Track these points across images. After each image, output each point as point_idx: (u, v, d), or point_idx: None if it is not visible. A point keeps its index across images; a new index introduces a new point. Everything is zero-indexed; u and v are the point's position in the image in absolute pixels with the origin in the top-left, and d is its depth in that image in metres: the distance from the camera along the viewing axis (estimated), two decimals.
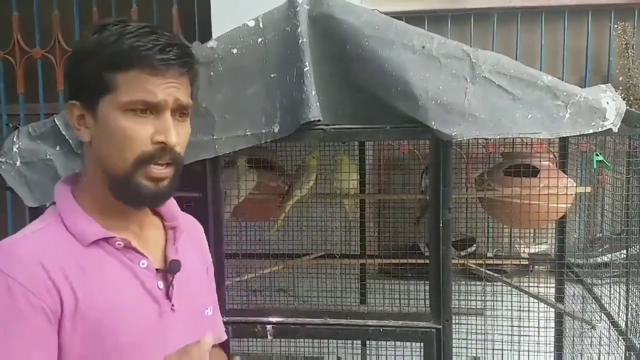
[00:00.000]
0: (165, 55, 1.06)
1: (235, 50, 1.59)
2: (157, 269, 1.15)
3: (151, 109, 1.07)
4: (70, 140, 1.63)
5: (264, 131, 1.58)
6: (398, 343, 2.39)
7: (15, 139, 1.65)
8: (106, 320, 1.06)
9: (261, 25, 1.59)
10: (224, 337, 1.42)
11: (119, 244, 1.10)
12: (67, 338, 1.03)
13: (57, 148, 1.64)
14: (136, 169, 1.07)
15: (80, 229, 1.09)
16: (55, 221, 1.10)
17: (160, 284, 1.15)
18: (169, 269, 1.16)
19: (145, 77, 1.05)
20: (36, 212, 1.69)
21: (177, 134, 1.09)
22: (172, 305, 1.15)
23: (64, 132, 1.63)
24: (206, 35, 2.84)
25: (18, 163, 1.65)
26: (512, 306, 2.28)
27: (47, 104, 3.18)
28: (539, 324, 2.26)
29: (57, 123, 1.63)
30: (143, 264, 1.13)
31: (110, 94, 1.06)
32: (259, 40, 1.58)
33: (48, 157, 1.64)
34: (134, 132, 1.06)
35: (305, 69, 1.53)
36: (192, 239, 1.30)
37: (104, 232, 1.10)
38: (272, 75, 1.58)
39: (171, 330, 1.15)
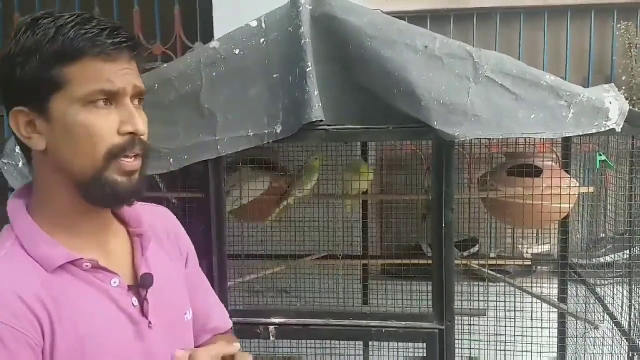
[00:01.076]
0: (114, 39, 0.98)
1: (237, 51, 1.58)
2: (128, 286, 1.06)
3: (111, 98, 0.99)
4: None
5: (266, 131, 1.58)
6: (400, 344, 2.39)
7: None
8: (87, 347, 0.99)
9: (263, 25, 1.59)
10: (229, 323, 1.36)
11: (87, 265, 1.01)
12: None
13: None
14: (107, 164, 0.98)
15: (43, 254, 0.99)
16: (13, 245, 1.00)
17: (135, 301, 1.06)
18: (141, 284, 1.07)
19: (99, 65, 0.97)
20: None
21: (144, 122, 1.03)
22: (149, 322, 1.07)
23: None
24: (208, 35, 2.85)
25: (20, 164, 1.64)
26: (514, 306, 2.27)
27: None
28: (541, 324, 2.25)
29: None
30: (115, 282, 1.04)
31: (61, 90, 0.96)
32: (262, 40, 1.58)
33: None
34: (99, 125, 0.97)
35: (307, 69, 1.52)
36: (160, 237, 1.20)
37: (69, 254, 1.00)
38: (275, 76, 1.58)
39: (152, 348, 1.08)
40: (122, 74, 0.99)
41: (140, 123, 1.01)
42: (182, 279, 1.22)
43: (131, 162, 1.01)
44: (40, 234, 1.00)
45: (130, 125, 0.99)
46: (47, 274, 0.98)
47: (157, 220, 1.21)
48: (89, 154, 0.97)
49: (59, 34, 0.95)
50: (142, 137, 1.02)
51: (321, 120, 1.53)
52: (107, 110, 0.98)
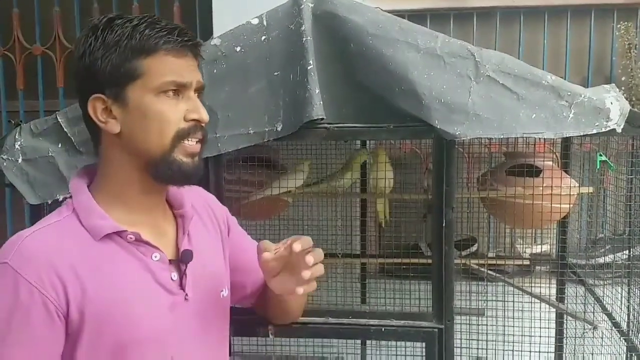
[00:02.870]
0: (182, 37, 1.14)
1: (238, 48, 1.58)
2: (170, 260, 1.18)
3: (180, 90, 1.14)
4: (72, 138, 1.63)
5: (267, 129, 1.57)
6: (398, 343, 2.39)
7: (17, 136, 1.65)
8: (117, 312, 1.09)
9: (265, 23, 1.58)
10: None
11: (131, 238, 1.13)
12: (76, 330, 1.07)
13: (59, 145, 1.64)
14: (174, 146, 1.13)
15: (93, 224, 1.12)
16: (70, 215, 1.14)
17: (174, 275, 1.18)
18: (181, 260, 1.20)
19: (171, 60, 1.12)
20: (37, 210, 1.68)
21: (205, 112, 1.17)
22: (186, 295, 1.18)
23: (66, 130, 1.62)
24: (207, 32, 2.84)
25: (20, 160, 1.64)
26: (513, 306, 2.27)
27: (46, 101, 3.17)
28: (540, 324, 2.26)
29: (59, 120, 1.63)
30: (155, 256, 1.16)
31: (137, 80, 1.11)
32: (263, 38, 1.58)
33: (50, 154, 1.64)
34: (170, 112, 1.12)
35: (309, 67, 1.52)
36: (201, 214, 1.33)
37: (116, 226, 1.12)
38: (276, 74, 1.57)
39: (184, 319, 1.18)
40: (190, 69, 1.16)
41: (205, 112, 1.16)
42: (221, 256, 1.35)
43: (194, 146, 1.16)
44: (95, 208, 1.14)
45: (196, 113, 1.15)
46: (94, 242, 1.11)
47: (197, 199, 1.35)
48: (159, 137, 1.12)
49: (136, 32, 1.11)
50: (203, 124, 1.17)
51: (322, 119, 1.52)
52: (175, 100, 1.14)
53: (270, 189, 2.11)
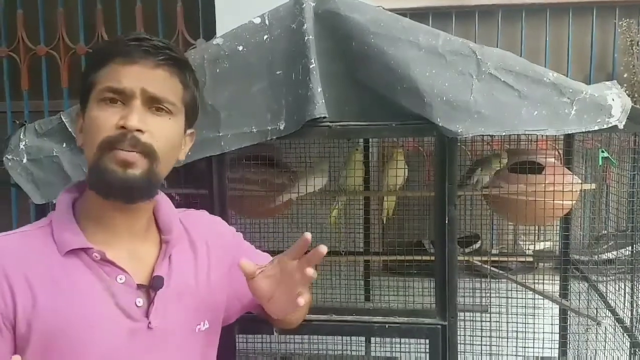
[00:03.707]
0: (137, 42, 1.09)
1: (241, 48, 1.59)
2: (139, 285, 1.12)
3: (119, 97, 1.08)
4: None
5: (269, 128, 1.58)
6: (402, 340, 2.39)
7: (21, 136, 1.66)
8: (67, 330, 1.05)
9: (267, 22, 1.59)
10: None
11: (96, 256, 1.09)
12: (22, 344, 1.04)
13: (64, 145, 1.64)
14: (102, 154, 1.07)
15: (62, 238, 1.09)
16: (45, 227, 1.12)
17: (140, 301, 1.12)
18: (151, 286, 1.13)
19: (118, 67, 1.09)
20: (42, 209, 1.70)
21: (142, 121, 1.08)
22: (149, 323, 1.11)
23: (70, 129, 1.63)
24: (210, 32, 2.85)
25: (24, 160, 1.65)
26: (516, 303, 2.28)
27: (51, 101, 3.19)
28: (543, 320, 2.26)
29: (64, 120, 1.64)
30: (120, 279, 1.10)
31: (92, 91, 1.10)
32: (265, 37, 1.58)
33: (54, 154, 1.64)
34: (101, 119, 1.08)
35: (311, 66, 1.53)
36: (195, 242, 1.26)
37: (83, 242, 1.09)
38: (278, 72, 1.58)
39: (144, 349, 1.11)
40: (135, 77, 1.08)
41: (133, 119, 1.06)
42: (210, 288, 1.25)
43: (126, 153, 1.07)
44: (69, 222, 1.11)
45: (123, 119, 1.06)
46: (59, 257, 1.08)
47: (197, 225, 1.29)
48: (92, 144, 1.08)
49: (100, 46, 1.15)
50: (137, 135, 1.07)
51: (324, 117, 1.53)
52: (114, 108, 1.08)
53: (298, 188, 2.13)
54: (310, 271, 1.04)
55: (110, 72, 1.09)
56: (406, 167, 2.26)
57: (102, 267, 1.10)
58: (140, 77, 1.09)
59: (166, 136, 1.13)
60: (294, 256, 1.08)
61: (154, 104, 1.11)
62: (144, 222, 1.18)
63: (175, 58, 1.14)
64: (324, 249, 1.03)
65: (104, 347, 1.07)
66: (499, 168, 2.11)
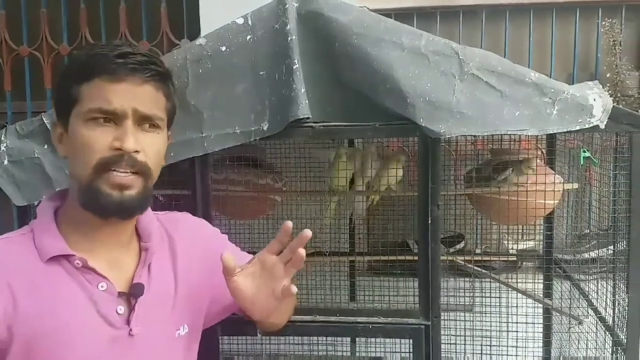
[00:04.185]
0: (123, 60, 1.07)
1: (224, 48, 1.58)
2: (120, 293, 1.13)
3: (111, 117, 1.08)
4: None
5: (253, 129, 1.57)
6: (387, 340, 2.40)
7: (2, 138, 1.64)
8: (48, 337, 1.05)
9: (250, 22, 1.59)
10: None
11: (78, 263, 1.09)
12: (2, 349, 1.04)
13: (45, 147, 1.63)
14: (97, 175, 1.07)
15: (44, 244, 1.09)
16: (27, 234, 1.12)
17: (121, 309, 1.12)
18: (131, 293, 1.14)
19: (104, 85, 1.07)
20: (24, 211, 1.68)
21: (137, 141, 1.09)
22: (130, 330, 1.12)
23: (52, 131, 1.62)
24: (194, 33, 2.84)
25: (6, 162, 1.64)
26: (500, 302, 2.29)
27: (34, 102, 3.16)
28: (527, 319, 2.27)
29: (45, 121, 1.63)
30: (102, 286, 1.11)
31: (76, 106, 1.09)
32: (248, 37, 1.58)
33: (36, 155, 1.63)
34: (93, 139, 1.07)
35: (294, 67, 1.53)
36: (176, 247, 1.26)
37: (65, 249, 1.09)
38: (261, 73, 1.58)
39: (126, 356, 1.12)
40: (124, 96, 1.08)
41: (130, 141, 1.07)
42: (190, 292, 1.25)
43: (122, 177, 1.08)
44: (51, 229, 1.11)
45: (119, 141, 1.07)
46: (41, 264, 1.08)
47: (179, 229, 1.29)
48: (84, 164, 1.07)
49: (82, 56, 1.10)
50: (134, 155, 1.08)
51: (308, 118, 1.53)
52: (105, 128, 1.08)
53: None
54: (302, 251, 1.06)
55: (97, 90, 1.07)
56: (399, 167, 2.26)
57: (84, 275, 1.10)
58: (130, 96, 1.08)
59: (157, 151, 1.15)
60: (275, 249, 1.11)
61: (144, 121, 1.11)
62: (128, 232, 1.19)
63: (160, 73, 1.14)
64: (308, 233, 1.06)
65: (85, 354, 1.08)
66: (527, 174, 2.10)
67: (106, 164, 1.07)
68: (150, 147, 1.12)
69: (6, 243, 1.11)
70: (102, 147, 1.07)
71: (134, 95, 1.09)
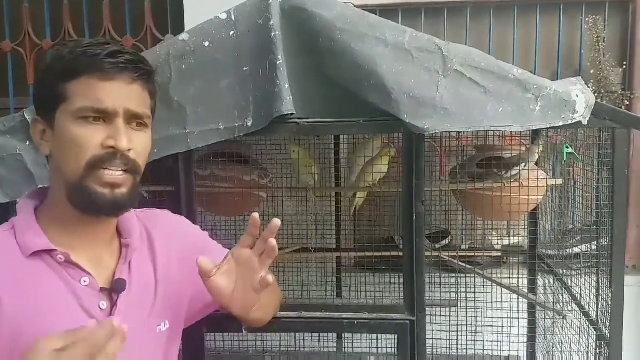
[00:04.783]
0: (114, 59, 1.08)
1: (207, 43, 1.57)
2: (102, 288, 1.13)
3: (102, 116, 1.08)
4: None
5: (237, 125, 1.57)
6: (373, 336, 2.40)
7: None
8: (31, 332, 1.02)
9: (233, 17, 1.58)
10: None
11: (60, 258, 1.09)
12: None
13: (27, 143, 1.61)
14: (88, 173, 1.07)
15: (25, 240, 1.09)
16: (8, 231, 1.11)
17: (103, 304, 1.12)
18: (113, 289, 1.14)
19: (95, 83, 1.07)
20: (6, 208, 1.67)
21: (130, 140, 1.09)
22: None
23: None
24: (179, 29, 2.82)
25: None
26: (485, 297, 2.30)
27: (17, 98, 3.14)
28: (511, 314, 2.29)
29: (27, 118, 1.61)
30: (85, 281, 1.11)
31: (63, 103, 1.08)
32: (231, 33, 1.57)
33: (18, 152, 1.62)
34: (85, 137, 1.07)
35: (278, 62, 1.52)
36: (155, 243, 1.26)
37: (47, 244, 1.09)
38: (245, 69, 1.57)
39: None
40: (115, 95, 1.09)
41: (123, 140, 1.08)
42: (170, 288, 1.26)
43: (112, 175, 1.09)
44: (32, 225, 1.11)
45: (113, 140, 1.07)
46: (23, 259, 1.07)
47: (159, 225, 1.29)
48: (74, 162, 1.07)
49: (68, 54, 1.08)
50: (126, 153, 1.09)
51: (292, 114, 1.53)
52: (96, 126, 1.08)
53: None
54: (273, 240, 1.10)
55: (87, 89, 1.07)
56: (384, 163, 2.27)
57: (67, 270, 1.10)
58: (120, 95, 1.09)
59: (145, 149, 1.16)
60: (247, 243, 1.14)
61: (133, 120, 1.12)
62: (110, 229, 1.20)
63: (148, 72, 1.15)
64: (277, 222, 1.10)
65: None
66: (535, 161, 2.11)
67: (99, 162, 1.07)
68: (140, 145, 1.13)
69: None
70: (94, 146, 1.07)
71: (124, 94, 1.10)
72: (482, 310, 2.30)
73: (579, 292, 2.05)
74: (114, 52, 1.08)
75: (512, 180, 2.01)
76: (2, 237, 1.10)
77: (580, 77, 1.61)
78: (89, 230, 1.15)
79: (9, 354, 1.04)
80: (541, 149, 2.08)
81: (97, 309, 1.11)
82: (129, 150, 1.09)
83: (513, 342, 2.32)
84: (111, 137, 1.08)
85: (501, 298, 2.25)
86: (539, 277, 2.41)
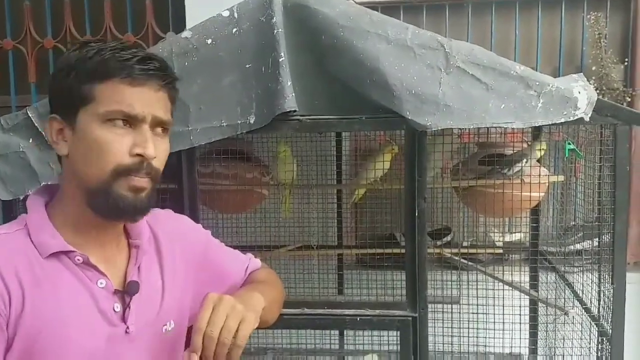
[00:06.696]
0: (144, 65, 1.08)
1: (209, 41, 1.58)
2: (115, 290, 1.13)
3: (130, 121, 1.08)
4: (43, 133, 1.62)
5: (239, 122, 1.57)
6: (375, 333, 2.41)
7: None
8: (50, 333, 1.04)
9: (236, 15, 1.58)
10: (242, 273, 1.41)
11: (78, 260, 1.09)
12: (8, 346, 1.03)
13: (30, 140, 1.62)
14: (114, 180, 1.07)
15: (42, 240, 1.08)
16: (21, 230, 1.10)
17: (117, 306, 1.13)
18: (126, 291, 1.14)
19: (124, 88, 1.07)
20: (9, 206, 1.67)
21: (156, 148, 1.09)
22: (127, 328, 1.13)
23: (37, 125, 1.61)
24: (180, 27, 2.82)
25: None
26: (487, 294, 2.30)
27: (18, 96, 3.14)
28: (513, 311, 2.29)
29: (30, 115, 1.62)
30: (101, 283, 1.11)
31: (89, 105, 1.07)
32: (234, 30, 1.58)
33: (21, 149, 1.62)
34: (112, 143, 1.06)
35: (280, 59, 1.53)
36: (161, 244, 1.26)
37: (65, 245, 1.08)
38: (248, 66, 1.57)
39: (121, 354, 1.12)
40: (145, 102, 1.08)
41: (151, 148, 1.08)
42: (175, 289, 1.26)
43: (140, 180, 1.09)
44: (46, 225, 1.09)
45: (141, 148, 1.07)
46: (41, 259, 1.07)
47: (163, 226, 1.29)
48: (99, 167, 1.07)
49: (96, 56, 1.07)
50: (151, 162, 1.09)
51: (295, 111, 1.53)
52: (124, 131, 1.07)
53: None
54: None
55: (116, 93, 1.06)
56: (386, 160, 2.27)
57: (84, 271, 1.10)
58: (149, 102, 1.09)
59: (166, 155, 1.17)
60: None
61: (158, 126, 1.12)
62: (120, 231, 1.20)
63: (173, 79, 1.16)
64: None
65: (85, 350, 1.08)
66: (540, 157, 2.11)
67: (126, 170, 1.07)
68: (162, 152, 1.14)
69: (5, 238, 1.08)
70: (122, 152, 1.07)
71: (152, 100, 1.10)
72: (484, 307, 2.30)
73: (581, 289, 2.05)
74: (144, 58, 1.09)
75: (514, 177, 2.01)
76: (18, 236, 1.09)
77: (581, 74, 1.61)
78: (100, 230, 1.14)
79: (25, 355, 1.04)
80: (544, 146, 2.08)
81: (112, 312, 1.12)
82: (154, 158, 1.09)
83: (515, 339, 2.32)
84: (138, 144, 1.07)
85: (503, 295, 2.25)
86: (540, 273, 2.41)
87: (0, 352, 1.02)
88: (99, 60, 1.07)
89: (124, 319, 1.13)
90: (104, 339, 1.10)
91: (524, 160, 1.99)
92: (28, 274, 1.05)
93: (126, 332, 1.12)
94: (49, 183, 1.23)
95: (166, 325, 1.22)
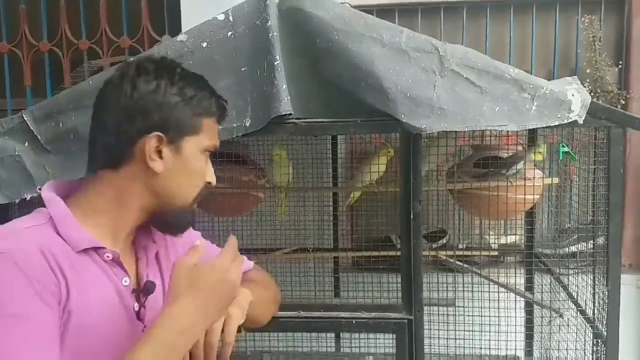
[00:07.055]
0: (222, 105, 1.22)
1: (205, 44, 1.58)
2: (133, 289, 1.16)
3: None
4: (39, 136, 1.61)
5: (235, 125, 1.57)
6: (371, 335, 2.41)
7: None
8: (89, 325, 1.06)
9: (231, 18, 1.58)
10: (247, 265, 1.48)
11: (108, 256, 1.11)
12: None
13: (26, 144, 1.62)
14: (195, 200, 1.21)
15: (72, 235, 1.09)
16: (46, 224, 1.09)
17: (136, 305, 1.16)
18: (143, 290, 1.18)
19: (214, 125, 1.21)
20: (4, 209, 1.67)
21: None
22: (144, 327, 1.15)
23: (32, 128, 1.61)
24: (175, 29, 2.83)
25: None
26: (482, 296, 2.31)
27: (14, 100, 3.14)
28: (508, 313, 2.29)
29: (26, 119, 1.61)
30: (125, 281, 1.14)
31: (196, 135, 1.16)
32: (229, 33, 1.58)
33: (17, 153, 1.62)
34: (204, 173, 1.20)
35: (275, 63, 1.53)
36: (159, 247, 1.28)
37: (96, 241, 1.11)
38: (243, 69, 1.57)
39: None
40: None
41: (215, 179, 1.24)
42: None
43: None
44: (74, 221, 1.11)
45: (212, 178, 1.23)
46: (73, 252, 1.08)
47: (154, 230, 1.30)
48: (189, 190, 1.19)
49: (202, 91, 1.17)
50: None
51: (290, 114, 1.53)
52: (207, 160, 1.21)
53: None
54: None
55: (212, 129, 1.19)
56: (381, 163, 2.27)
57: (112, 268, 1.13)
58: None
59: None
60: None
61: None
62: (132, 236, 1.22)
63: None
64: None
65: (112, 345, 1.09)
66: (539, 160, 2.11)
67: (201, 193, 1.21)
68: None
69: (37, 231, 1.08)
70: (204, 180, 1.21)
71: None
72: (480, 309, 2.31)
73: (576, 291, 2.06)
74: (220, 98, 1.21)
75: (515, 178, 2.01)
76: (44, 231, 1.08)
77: (576, 77, 1.62)
78: (129, 235, 1.19)
79: (72, 343, 1.04)
80: (541, 150, 2.09)
81: (132, 310, 1.14)
82: None
83: (510, 341, 2.33)
84: (210, 174, 1.22)
85: (498, 297, 2.26)
86: (535, 275, 2.42)
87: (56, 329, 1.02)
88: (204, 96, 1.17)
89: (139, 318, 1.16)
90: (126, 335, 1.12)
91: (521, 161, 2.00)
92: (67, 264, 1.06)
93: (143, 331, 1.14)
94: (60, 180, 1.21)
95: None
